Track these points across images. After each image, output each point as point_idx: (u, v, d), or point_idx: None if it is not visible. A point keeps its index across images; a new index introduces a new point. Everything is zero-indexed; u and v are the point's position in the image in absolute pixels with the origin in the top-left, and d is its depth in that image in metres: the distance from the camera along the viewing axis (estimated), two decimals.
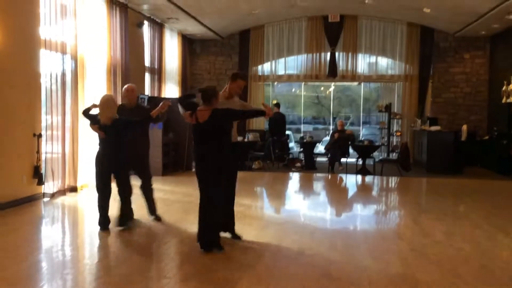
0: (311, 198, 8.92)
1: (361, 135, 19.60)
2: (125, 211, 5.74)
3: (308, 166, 12.43)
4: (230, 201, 5.29)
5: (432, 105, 14.32)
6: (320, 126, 32.27)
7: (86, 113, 5.89)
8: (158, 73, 12.41)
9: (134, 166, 6.16)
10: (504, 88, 11.95)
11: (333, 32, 14.49)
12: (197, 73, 15.37)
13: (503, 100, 11.93)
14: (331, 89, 24.52)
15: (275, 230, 5.76)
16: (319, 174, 11.69)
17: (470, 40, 13.97)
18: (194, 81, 15.36)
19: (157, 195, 6.44)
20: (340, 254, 4.83)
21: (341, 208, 7.78)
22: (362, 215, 7.22)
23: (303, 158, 12.81)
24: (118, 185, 5.77)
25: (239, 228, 5.78)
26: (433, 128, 12.09)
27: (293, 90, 33.20)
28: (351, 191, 9.88)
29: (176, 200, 7.70)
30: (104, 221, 5.65)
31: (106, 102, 5.63)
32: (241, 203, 7.36)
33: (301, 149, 13.09)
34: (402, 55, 14.38)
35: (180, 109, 5.17)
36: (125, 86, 6.31)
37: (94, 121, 5.69)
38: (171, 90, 13.37)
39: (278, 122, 13.31)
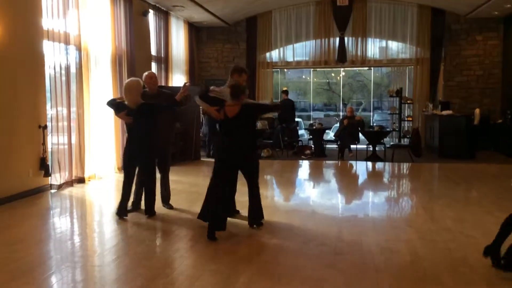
0: (320, 186, 8.82)
1: (371, 121, 19.41)
2: (139, 199, 5.87)
3: (318, 153, 12.30)
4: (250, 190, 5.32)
5: (444, 89, 14.03)
6: (332, 113, 31.99)
7: (111, 103, 5.90)
8: (164, 62, 12.32)
9: (157, 154, 6.10)
10: None
11: (342, 17, 14.22)
12: (205, 61, 15.25)
13: None
14: (342, 74, 24.28)
15: (282, 219, 5.68)
16: (329, 161, 11.57)
17: (482, 21, 13.61)
18: (202, 70, 15.25)
19: None
20: (347, 243, 4.74)
21: (350, 195, 7.67)
22: (371, 202, 7.12)
23: (312, 146, 12.68)
24: (144, 173, 5.77)
25: (244, 217, 5.73)
26: (445, 112, 11.85)
27: (304, 76, 32.95)
28: (361, 178, 9.77)
29: (183, 190, 7.65)
30: (123, 209, 5.72)
31: (131, 86, 5.61)
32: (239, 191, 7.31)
33: (311, 136, 12.94)
34: (413, 38, 14.08)
35: (201, 103, 5.38)
36: (146, 73, 6.23)
37: (120, 108, 5.67)
38: (179, 79, 13.27)
39: (287, 109, 13.17)
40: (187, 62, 13.91)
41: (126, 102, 5.64)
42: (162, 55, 12.22)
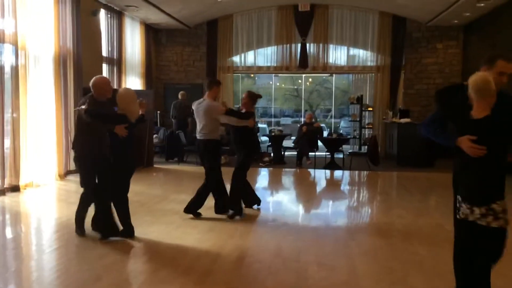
0: (271, 195, 8.47)
1: (332, 128, 19.28)
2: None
3: (277, 160, 11.99)
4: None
5: (404, 97, 13.99)
6: (302, 119, 32.01)
7: (112, 115, 4.92)
8: (117, 64, 11.80)
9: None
10: None
11: (304, 22, 14.02)
12: (164, 65, 14.78)
13: None
14: (306, 81, 24.15)
15: (220, 233, 5.29)
16: (287, 169, 11.27)
17: (443, 29, 13.65)
18: (161, 73, 14.77)
19: None
20: (284, 260, 4.38)
21: (298, 206, 7.34)
22: (318, 213, 6.77)
23: (272, 153, 12.37)
24: (110, 188, 5.07)
25: (180, 232, 5.33)
26: (403, 120, 11.74)
27: (272, 83, 32.76)
28: (315, 187, 9.47)
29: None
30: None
31: (132, 96, 4.93)
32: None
33: (270, 143, 12.63)
34: (374, 45, 13.99)
35: (229, 119, 6.06)
36: (100, 78, 5.16)
37: (122, 121, 4.82)
38: (134, 82, 12.77)
39: None
40: (143, 65, 13.41)
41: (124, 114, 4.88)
42: (115, 57, 11.71)
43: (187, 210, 6.00)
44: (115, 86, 11.68)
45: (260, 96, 6.29)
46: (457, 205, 3.15)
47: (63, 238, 5.07)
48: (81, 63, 9.57)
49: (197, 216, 6.00)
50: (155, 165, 11.10)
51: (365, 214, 6.76)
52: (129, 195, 7.37)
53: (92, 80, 5.04)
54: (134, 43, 12.80)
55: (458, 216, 3.16)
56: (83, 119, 4.85)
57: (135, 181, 8.74)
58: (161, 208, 6.45)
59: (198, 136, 6.09)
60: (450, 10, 11.62)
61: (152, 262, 4.32)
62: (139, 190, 7.97)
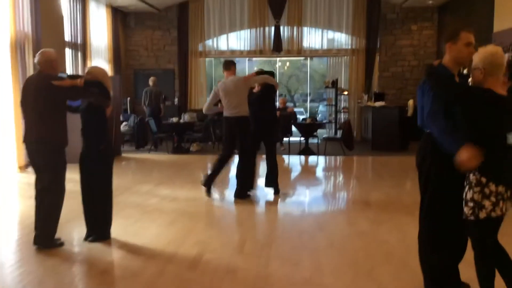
0: (229, 184, 8.14)
1: (308, 112, 19.06)
2: None
3: None
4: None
5: (380, 80, 13.81)
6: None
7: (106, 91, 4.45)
8: (81, 49, 11.29)
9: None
10: None
11: (277, 3, 13.66)
12: (133, 49, 14.28)
13: None
14: (283, 66, 23.85)
15: (181, 227, 5.00)
16: (260, 155, 10.98)
17: (417, 11, 13.45)
18: (130, 58, 14.27)
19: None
20: (245, 257, 4.12)
21: (269, 195, 7.05)
22: (289, 203, 6.49)
23: None
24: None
25: (138, 227, 5.04)
26: (378, 103, 11.55)
27: (251, 67, 32.26)
28: (287, 174, 9.17)
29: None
30: None
31: (105, 71, 4.69)
32: (156, 194, 6.62)
33: None
34: (348, 27, 13.73)
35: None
36: (48, 52, 4.48)
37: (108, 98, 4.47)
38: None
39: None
40: (111, 50, 12.90)
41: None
42: (79, 41, 11.20)
43: (239, 196, 6.23)
44: (80, 72, 11.19)
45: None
46: (489, 199, 2.72)
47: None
48: (41, 48, 9.05)
49: (246, 197, 6.27)
50: (123, 154, 10.71)
51: (336, 202, 6.56)
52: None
53: (42, 55, 4.38)
54: (100, 27, 12.27)
55: (492, 214, 2.73)
56: (59, 98, 4.26)
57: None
58: (121, 201, 6.12)
59: (229, 114, 6.18)
60: None
61: (100, 262, 4.01)
62: None
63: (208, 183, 6.32)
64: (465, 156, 2.65)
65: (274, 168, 6.61)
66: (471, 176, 2.76)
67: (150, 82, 12.17)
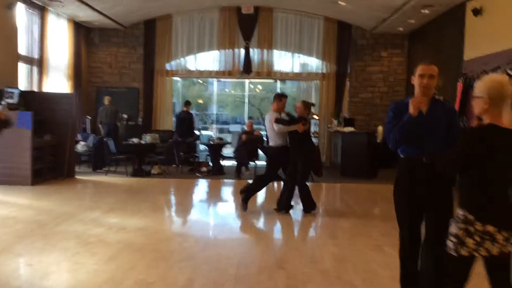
0: (193, 211, 7.55)
1: None
2: None
3: (215, 170, 11.20)
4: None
5: (349, 105, 13.59)
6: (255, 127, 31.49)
7: None
8: (38, 64, 10.65)
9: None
10: None
11: (248, 25, 13.38)
12: (96, 66, 13.67)
13: None
14: (255, 88, 23.59)
15: (122, 263, 4.42)
16: (225, 180, 10.50)
17: (387, 37, 13.39)
18: (92, 75, 13.66)
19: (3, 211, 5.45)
20: None
21: (220, 227, 6.39)
22: (245, 235, 6.00)
23: (210, 162, 11.57)
24: None
25: (74, 261, 4.43)
26: (347, 129, 11.28)
27: (227, 89, 32.09)
28: (249, 201, 8.64)
29: (22, 220, 6.08)
30: None
31: None
32: (103, 223, 6.01)
33: (208, 152, 11.82)
34: (319, 52, 13.53)
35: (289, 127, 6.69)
36: None
37: None
38: (59, 84, 11.63)
39: (185, 122, 11.98)
40: (71, 66, 12.26)
41: None
42: (36, 56, 10.56)
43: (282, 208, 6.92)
44: (35, 88, 10.55)
45: (313, 104, 7.59)
46: (472, 238, 2.55)
47: None
48: None
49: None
50: (78, 176, 10.01)
51: (300, 234, 6.09)
52: (30, 213, 6.43)
53: None
54: (60, 42, 11.66)
55: (474, 253, 2.57)
56: None
57: (44, 196, 7.76)
58: (62, 230, 5.50)
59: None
60: (395, 17, 11.31)
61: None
62: (45, 207, 6.97)
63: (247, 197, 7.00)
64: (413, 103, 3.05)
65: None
66: (459, 212, 2.61)
67: (106, 101, 11.70)
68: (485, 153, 2.53)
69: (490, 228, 2.50)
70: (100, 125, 11.67)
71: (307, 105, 7.09)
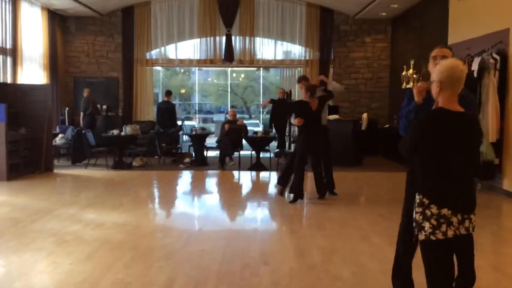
0: (176, 204, 7.29)
1: (261, 124, 18.53)
2: None
3: (199, 161, 10.97)
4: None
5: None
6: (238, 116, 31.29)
7: None
8: (11, 54, 10.25)
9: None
10: (404, 73, 11.23)
11: (228, 12, 13.09)
12: (73, 56, 13.27)
13: (403, 86, 11.21)
14: (238, 77, 23.33)
15: (99, 262, 4.19)
16: (209, 171, 10.28)
17: (371, 23, 13.24)
18: (70, 65, 13.25)
19: None
20: None
21: (203, 220, 6.13)
22: (230, 228, 5.80)
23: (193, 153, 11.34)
24: None
25: (49, 261, 4.20)
26: (332, 117, 11.09)
27: (209, 79, 31.67)
28: (234, 192, 8.44)
29: None
30: None
31: None
32: (80, 219, 5.77)
33: (191, 143, 11.57)
34: (302, 38, 13.34)
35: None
36: None
37: None
38: (35, 75, 11.22)
39: (166, 112, 11.71)
40: (47, 56, 11.85)
41: None
42: (8, 46, 10.15)
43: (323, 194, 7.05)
44: (8, 80, 10.16)
45: (318, 86, 7.16)
46: (431, 221, 2.55)
47: None
48: None
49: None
50: (56, 170, 9.70)
51: (287, 226, 5.92)
52: (5, 210, 6.15)
53: None
54: (34, 31, 11.24)
55: (431, 237, 2.56)
56: None
57: (20, 191, 7.46)
58: (37, 228, 5.25)
59: None
60: (378, 1, 11.14)
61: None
62: (20, 203, 6.68)
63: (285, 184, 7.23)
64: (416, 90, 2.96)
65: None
66: (416, 196, 2.64)
67: (85, 93, 11.48)
68: (433, 137, 2.56)
69: (445, 211, 2.51)
70: (83, 114, 11.64)
71: (309, 89, 6.89)
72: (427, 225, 2.54)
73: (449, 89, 2.56)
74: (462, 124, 2.57)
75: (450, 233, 2.51)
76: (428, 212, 2.54)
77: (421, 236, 2.57)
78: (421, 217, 2.57)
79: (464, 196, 2.56)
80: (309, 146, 6.78)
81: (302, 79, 7.50)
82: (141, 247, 4.65)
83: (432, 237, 2.53)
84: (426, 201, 2.56)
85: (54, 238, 4.87)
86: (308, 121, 6.71)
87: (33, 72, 11.18)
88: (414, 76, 10.53)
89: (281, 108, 11.01)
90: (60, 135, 11.32)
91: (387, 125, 12.42)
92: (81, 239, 4.86)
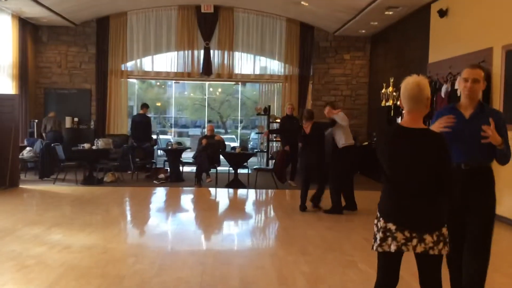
0: (149, 224, 6.81)
1: (239, 140, 18.28)
2: None
3: (174, 177, 10.59)
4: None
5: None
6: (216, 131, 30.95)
7: None
8: None
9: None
10: (383, 90, 11.18)
11: (207, 25, 12.86)
12: (44, 66, 12.77)
13: (382, 103, 11.15)
14: (215, 91, 23.08)
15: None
16: (185, 188, 9.91)
17: (350, 40, 13.20)
18: (40, 76, 12.75)
19: None
20: None
21: (179, 242, 5.80)
22: (206, 252, 5.46)
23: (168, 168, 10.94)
24: None
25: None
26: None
27: (180, 91, 31.24)
28: (211, 211, 8.09)
29: None
30: None
31: None
32: (45, 240, 5.33)
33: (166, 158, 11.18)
34: (281, 54, 13.20)
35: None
36: None
37: None
38: (2, 85, 10.70)
39: (141, 125, 11.29)
40: (16, 66, 11.34)
41: None
42: None
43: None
44: None
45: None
46: (380, 234, 2.62)
47: None
48: None
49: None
50: (22, 185, 9.18)
51: (267, 250, 5.61)
52: None
53: None
54: (3, 40, 10.74)
55: (379, 249, 2.63)
56: None
57: None
58: None
59: None
60: (358, 19, 11.10)
61: None
62: None
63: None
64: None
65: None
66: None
67: (51, 114, 11.73)
68: (387, 153, 2.61)
69: (390, 226, 2.56)
70: (43, 134, 11.50)
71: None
72: (378, 236, 2.61)
73: (406, 106, 2.59)
74: (418, 140, 2.54)
75: (393, 248, 2.53)
76: (378, 225, 2.63)
77: (374, 246, 2.64)
78: (375, 228, 2.66)
79: (415, 214, 2.52)
80: (306, 164, 7.64)
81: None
82: (110, 275, 4.24)
83: (379, 249, 2.59)
84: (378, 214, 2.66)
85: (13, 263, 4.44)
86: (302, 143, 7.63)
87: (1, 82, 10.65)
88: (394, 94, 10.47)
89: (292, 125, 10.48)
90: (27, 148, 10.80)
91: (365, 143, 12.30)
92: (44, 264, 4.44)
